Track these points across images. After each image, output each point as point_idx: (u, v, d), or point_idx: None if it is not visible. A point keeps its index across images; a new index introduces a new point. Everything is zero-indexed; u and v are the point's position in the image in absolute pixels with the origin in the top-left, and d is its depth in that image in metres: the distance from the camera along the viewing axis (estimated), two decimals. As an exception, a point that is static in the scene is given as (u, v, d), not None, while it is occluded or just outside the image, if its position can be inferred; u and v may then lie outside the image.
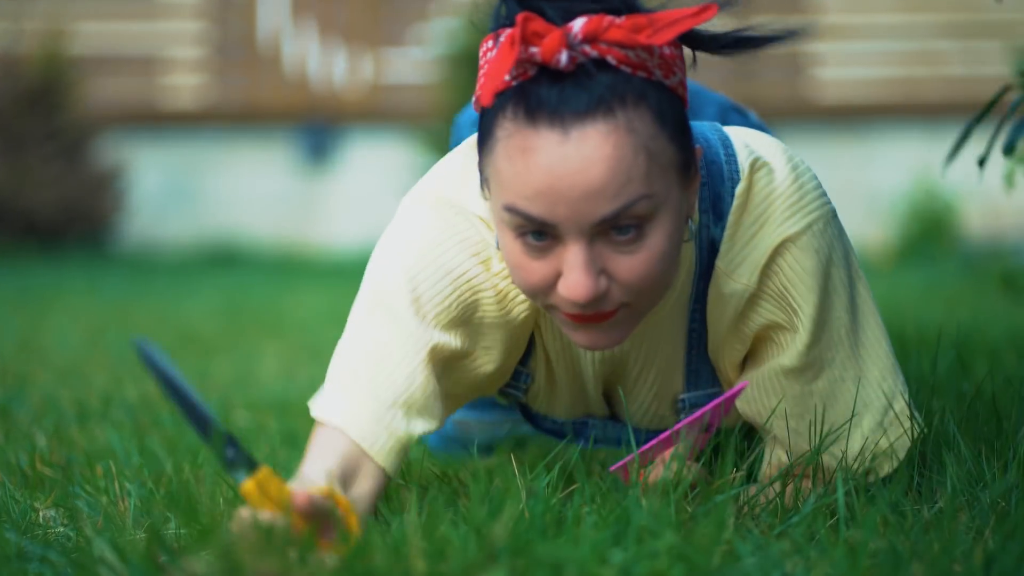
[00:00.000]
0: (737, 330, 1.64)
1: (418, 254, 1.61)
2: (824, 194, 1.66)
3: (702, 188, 1.61)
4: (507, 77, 1.46)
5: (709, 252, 1.62)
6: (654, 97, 1.48)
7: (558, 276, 1.49)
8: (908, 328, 3.10)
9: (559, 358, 1.70)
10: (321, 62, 9.63)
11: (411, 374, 1.57)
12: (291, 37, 9.68)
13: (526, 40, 1.44)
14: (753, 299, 1.62)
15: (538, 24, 1.45)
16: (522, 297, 1.61)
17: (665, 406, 1.73)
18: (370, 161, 9.30)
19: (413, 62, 9.47)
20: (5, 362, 3.55)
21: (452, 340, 1.61)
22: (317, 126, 9.51)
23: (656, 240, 1.48)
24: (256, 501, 1.33)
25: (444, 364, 1.62)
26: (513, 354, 1.67)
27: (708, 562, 1.29)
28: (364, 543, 1.30)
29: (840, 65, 9.42)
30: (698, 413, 1.60)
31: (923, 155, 8.91)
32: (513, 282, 1.58)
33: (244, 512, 1.34)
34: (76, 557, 1.31)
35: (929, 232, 8.51)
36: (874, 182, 9.14)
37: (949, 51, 9.06)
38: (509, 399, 1.78)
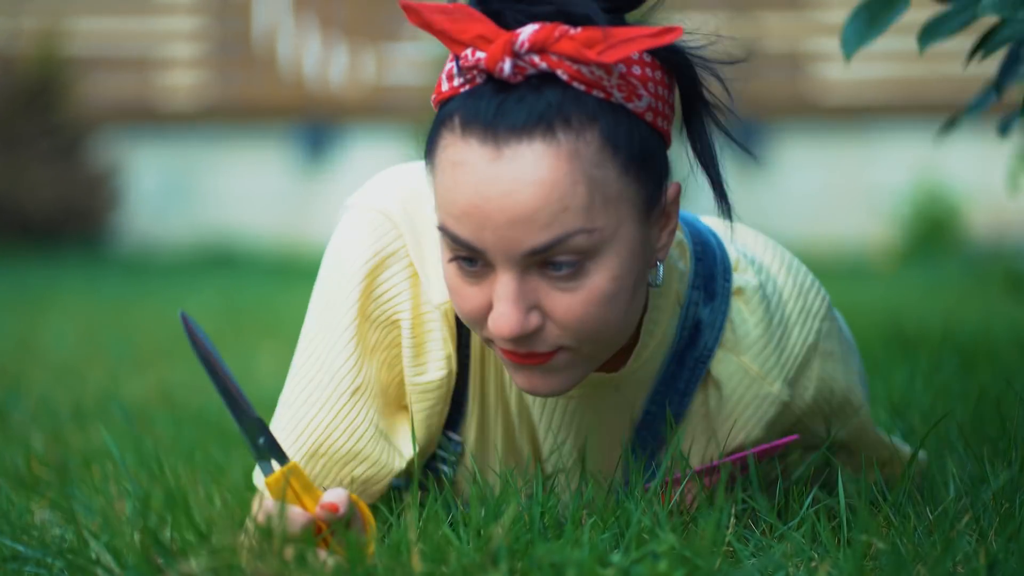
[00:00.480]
0: (735, 430, 1.52)
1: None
2: (821, 286, 1.58)
3: (697, 263, 1.51)
4: (455, 83, 1.35)
5: (693, 332, 1.50)
6: (607, 121, 1.32)
7: (489, 308, 1.35)
8: (912, 329, 3.09)
9: (495, 413, 1.54)
10: (319, 60, 9.62)
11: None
12: (290, 35, 9.66)
13: (473, 44, 1.32)
14: (787, 408, 1.52)
15: (488, 28, 1.32)
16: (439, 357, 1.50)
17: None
18: (369, 160, 9.29)
19: (412, 60, 9.46)
20: (1, 362, 3.54)
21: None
22: (315, 124, 9.50)
23: (598, 280, 1.33)
24: (277, 495, 1.32)
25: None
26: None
27: (709, 564, 1.28)
28: (364, 544, 1.30)
29: (843, 65, 9.41)
30: (761, 448, 1.48)
31: (926, 155, 8.90)
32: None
33: (269, 503, 1.31)
34: (72, 559, 1.30)
35: (932, 233, 8.52)
36: (876, 182, 9.14)
37: (952, 50, 9.05)
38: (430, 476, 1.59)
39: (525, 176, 1.30)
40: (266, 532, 1.24)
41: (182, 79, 9.69)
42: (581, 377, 1.40)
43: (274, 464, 1.33)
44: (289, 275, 7.37)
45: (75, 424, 2.47)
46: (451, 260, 1.36)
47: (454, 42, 1.34)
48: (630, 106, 1.34)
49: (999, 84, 1.76)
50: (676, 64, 1.41)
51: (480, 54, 1.32)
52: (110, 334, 4.28)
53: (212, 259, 8.69)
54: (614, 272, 1.34)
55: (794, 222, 9.14)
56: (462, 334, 1.51)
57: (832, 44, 9.20)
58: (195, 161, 9.55)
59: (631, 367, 1.49)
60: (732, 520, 1.41)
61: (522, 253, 1.31)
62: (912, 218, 8.68)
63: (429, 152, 1.37)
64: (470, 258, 1.34)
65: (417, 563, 1.26)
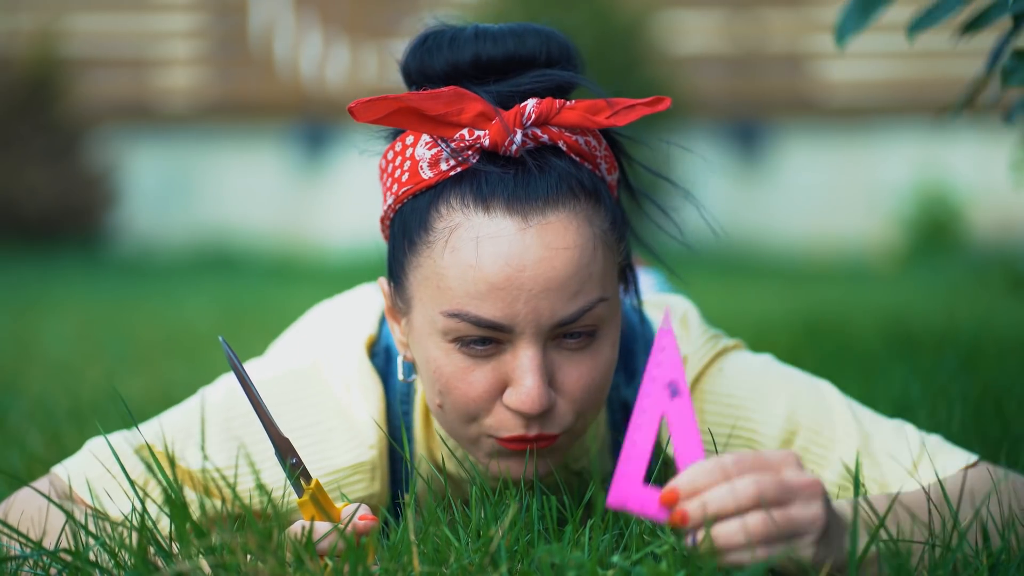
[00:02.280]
0: None
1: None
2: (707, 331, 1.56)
3: None
4: (443, 168, 1.34)
5: (623, 417, 1.50)
6: (604, 191, 1.37)
7: (503, 388, 1.35)
8: (913, 329, 3.09)
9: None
10: (319, 58, 9.62)
11: None
12: (288, 33, 9.66)
13: (473, 124, 1.33)
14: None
15: (486, 106, 1.33)
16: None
17: None
18: (367, 159, 9.28)
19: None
20: (-2, 361, 3.54)
21: None
22: (314, 124, 9.49)
23: (604, 348, 1.36)
24: (309, 514, 1.31)
25: None
26: None
27: (709, 565, 1.27)
28: (363, 545, 1.29)
29: (844, 64, 9.41)
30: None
31: (927, 154, 8.91)
32: (440, 405, 1.39)
33: (300, 524, 1.28)
34: (71, 559, 1.29)
35: (934, 233, 8.52)
36: (878, 182, 9.13)
37: (953, 50, 9.06)
38: None
39: (557, 243, 1.32)
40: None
41: (179, 78, 9.68)
42: (560, 460, 1.40)
43: (301, 485, 1.32)
44: (287, 275, 7.37)
45: (72, 424, 2.46)
46: (458, 349, 1.34)
47: (450, 125, 1.35)
48: (608, 179, 1.39)
49: (994, 58, 1.75)
50: (618, 146, 1.44)
51: (479, 132, 1.33)
52: (107, 334, 4.28)
53: (210, 259, 8.69)
54: (614, 340, 1.38)
55: (795, 222, 9.15)
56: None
57: (833, 44, 9.20)
58: (193, 160, 9.54)
59: (574, 455, 1.48)
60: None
61: (552, 324, 1.32)
62: (914, 218, 8.68)
63: (413, 247, 1.36)
64: (486, 338, 1.33)
65: (417, 564, 1.25)
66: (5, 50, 8.93)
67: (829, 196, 9.23)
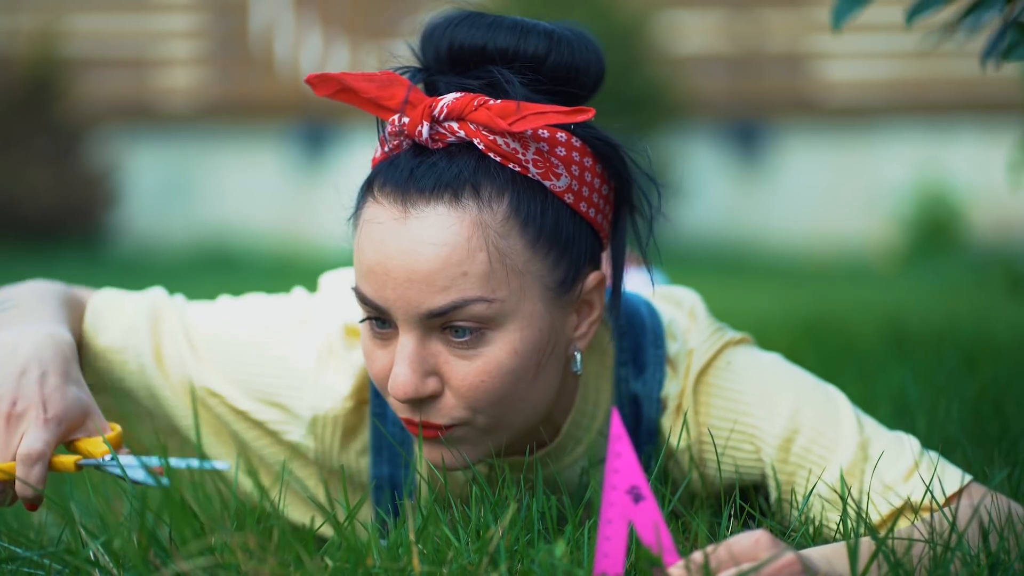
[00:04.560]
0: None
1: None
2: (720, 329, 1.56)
3: (623, 338, 1.50)
4: (385, 149, 1.41)
5: (634, 408, 1.51)
6: (518, 193, 1.36)
7: None
8: (913, 329, 3.09)
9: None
10: (319, 58, 9.62)
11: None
12: (288, 33, 9.66)
13: (400, 111, 1.37)
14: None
15: (416, 95, 1.38)
16: None
17: None
18: (367, 158, 9.29)
19: (415, 59, 9.46)
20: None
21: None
22: (313, 123, 9.49)
23: (497, 351, 1.36)
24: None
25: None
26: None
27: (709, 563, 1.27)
28: (363, 545, 1.29)
29: (844, 64, 9.41)
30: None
31: (927, 154, 8.90)
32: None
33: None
34: (70, 560, 1.29)
35: (934, 232, 8.52)
36: (878, 182, 9.13)
37: (954, 50, 9.05)
38: None
39: (426, 237, 1.34)
40: (267, 533, 1.24)
41: (179, 78, 9.68)
42: (484, 453, 1.41)
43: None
44: (287, 274, 7.36)
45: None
46: (363, 320, 1.40)
47: (381, 108, 1.39)
48: (547, 184, 1.37)
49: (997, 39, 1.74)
50: (607, 157, 1.41)
51: (405, 119, 1.37)
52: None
53: (210, 258, 8.69)
54: (514, 346, 1.36)
55: (795, 222, 9.14)
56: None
57: (834, 43, 9.20)
58: (193, 160, 9.55)
59: (572, 450, 1.49)
60: (731, 520, 1.40)
61: (420, 314, 1.35)
62: (913, 218, 8.68)
63: (355, 214, 1.42)
64: (380, 319, 1.38)
65: (417, 564, 1.25)
66: (5, 50, 8.94)
67: (829, 196, 9.23)
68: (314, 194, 9.51)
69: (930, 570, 1.28)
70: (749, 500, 1.53)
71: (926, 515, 1.40)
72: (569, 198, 1.38)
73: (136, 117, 9.55)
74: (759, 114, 9.21)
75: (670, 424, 1.50)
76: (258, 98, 9.57)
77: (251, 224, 9.41)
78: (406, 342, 1.36)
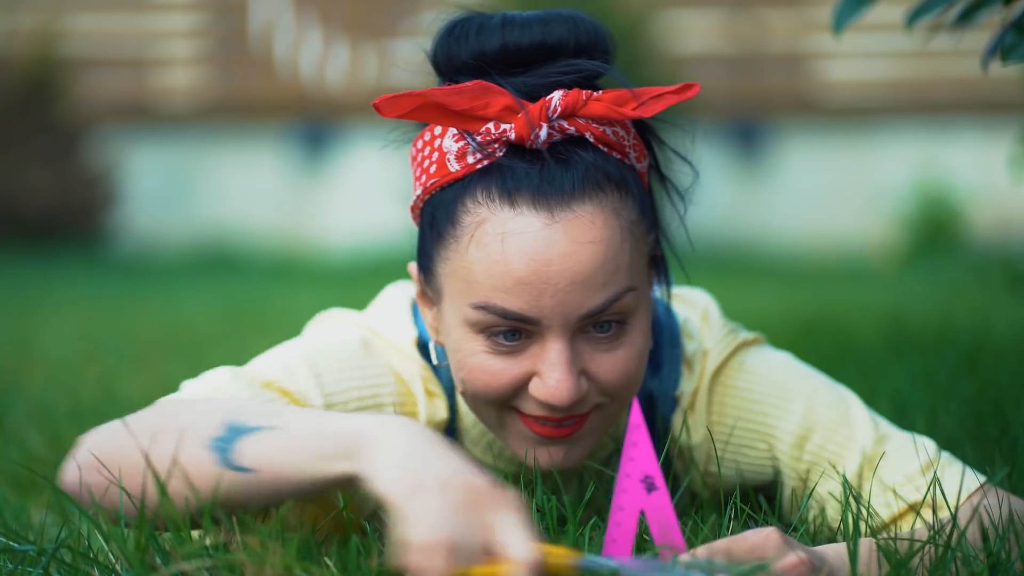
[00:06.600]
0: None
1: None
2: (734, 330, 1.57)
3: None
4: (469, 160, 1.35)
5: (648, 405, 1.51)
6: (632, 180, 1.38)
7: (528, 379, 1.36)
8: (913, 328, 3.09)
9: None
10: (319, 58, 9.61)
11: None
12: (288, 32, 9.66)
13: (499, 117, 1.34)
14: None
15: (511, 100, 1.34)
16: None
17: None
18: (368, 160, 9.29)
19: (415, 59, 9.45)
20: (-2, 361, 3.54)
21: None
22: (313, 123, 9.49)
23: (635, 337, 1.38)
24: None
25: None
26: None
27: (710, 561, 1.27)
28: (363, 545, 1.29)
29: (844, 64, 9.41)
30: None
31: (927, 154, 8.90)
32: (463, 392, 1.41)
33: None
34: (70, 560, 1.29)
35: (934, 232, 8.51)
36: (878, 182, 9.13)
37: (954, 50, 9.06)
38: None
39: (582, 236, 1.33)
40: (267, 534, 1.24)
41: (179, 78, 9.68)
42: (593, 445, 1.41)
43: None
44: (287, 274, 7.36)
45: (72, 423, 2.46)
46: (486, 339, 1.35)
47: (475, 119, 1.35)
48: (639, 167, 1.39)
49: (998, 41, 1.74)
50: (646, 138, 1.45)
51: (505, 126, 1.33)
52: (107, 333, 4.28)
53: (210, 258, 8.68)
54: (645, 328, 1.38)
55: (796, 222, 9.14)
56: None
57: (834, 43, 9.19)
58: (193, 160, 9.54)
59: (604, 445, 1.50)
60: (731, 520, 1.41)
61: (579, 316, 1.34)
62: (914, 218, 8.67)
63: (441, 239, 1.36)
64: (514, 330, 1.35)
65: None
66: (5, 50, 8.93)
67: (829, 196, 9.22)
68: (314, 194, 9.50)
69: (930, 570, 1.28)
70: (749, 501, 1.53)
71: (942, 515, 1.40)
72: (645, 178, 1.42)
73: (136, 117, 9.54)
74: (759, 114, 9.20)
75: (683, 422, 1.51)
76: (258, 98, 9.57)
77: (251, 224, 9.40)
78: (560, 348, 1.34)
